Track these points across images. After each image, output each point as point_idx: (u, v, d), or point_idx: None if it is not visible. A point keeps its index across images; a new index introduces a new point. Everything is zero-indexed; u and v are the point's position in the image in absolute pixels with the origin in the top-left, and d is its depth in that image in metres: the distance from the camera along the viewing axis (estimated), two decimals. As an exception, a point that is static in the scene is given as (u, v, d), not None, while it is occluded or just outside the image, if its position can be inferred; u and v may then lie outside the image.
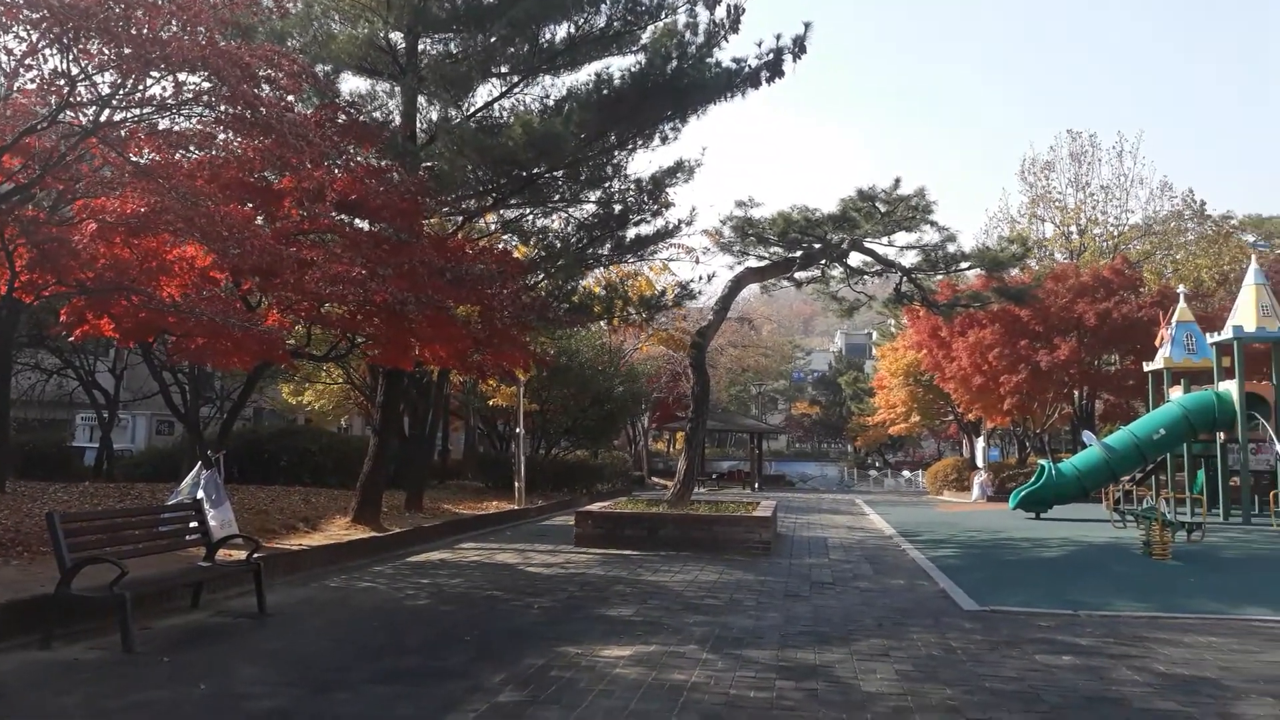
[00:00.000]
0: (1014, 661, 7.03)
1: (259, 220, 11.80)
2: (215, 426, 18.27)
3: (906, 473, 51.21)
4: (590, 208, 18.36)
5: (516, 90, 16.80)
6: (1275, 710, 5.78)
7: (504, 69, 16.37)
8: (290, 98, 11.03)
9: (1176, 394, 24.39)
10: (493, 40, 15.62)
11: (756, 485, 41.76)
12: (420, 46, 15.82)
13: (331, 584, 10.59)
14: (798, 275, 20.45)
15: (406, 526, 15.58)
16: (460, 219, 18.00)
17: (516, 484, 22.05)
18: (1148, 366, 26.19)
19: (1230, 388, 22.49)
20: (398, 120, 16.02)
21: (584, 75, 16.40)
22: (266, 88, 9.89)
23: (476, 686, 6.09)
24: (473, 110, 16.63)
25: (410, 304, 11.67)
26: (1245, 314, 22.75)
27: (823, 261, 19.91)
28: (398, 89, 16.16)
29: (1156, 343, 25.70)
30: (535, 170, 16.06)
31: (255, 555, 8.91)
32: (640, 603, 9.52)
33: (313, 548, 12.27)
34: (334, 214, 12.55)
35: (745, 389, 64.98)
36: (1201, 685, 6.39)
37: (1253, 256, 25.71)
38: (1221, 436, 22.75)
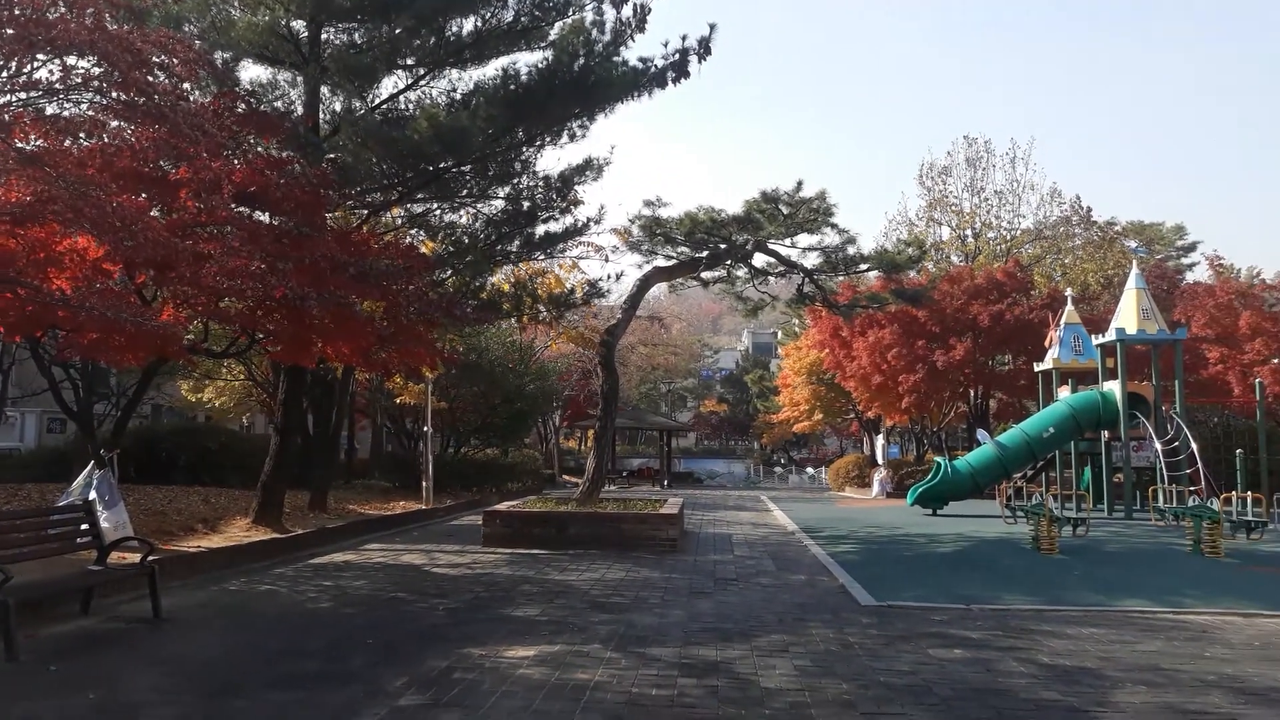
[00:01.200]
0: (908, 656, 7.24)
1: (154, 212, 11.39)
2: (110, 424, 17.57)
3: (810, 469, 52.26)
4: (499, 204, 18.24)
5: (423, 83, 16.59)
6: (1148, 697, 6.07)
7: (410, 61, 16.13)
8: (186, 85, 10.69)
9: (1064, 393, 25.46)
10: (398, 32, 15.37)
11: (665, 483, 42.07)
12: (324, 36, 15.47)
13: (231, 587, 10.32)
14: (704, 275, 20.75)
15: (310, 528, 15.27)
16: (365, 213, 17.68)
17: (424, 483, 21.78)
18: (1038, 367, 27.26)
19: (1114, 388, 23.57)
20: (300, 111, 15.64)
21: (491, 70, 16.30)
22: (161, 74, 9.56)
23: (378, 690, 6.03)
24: (378, 102, 16.36)
25: (312, 299, 11.42)
26: (1127, 317, 23.87)
27: (728, 262, 20.22)
28: (300, 79, 15.79)
29: (1046, 344, 26.76)
30: (442, 165, 15.88)
31: (150, 558, 8.62)
32: (546, 602, 9.53)
33: (211, 550, 11.94)
34: (233, 206, 12.17)
35: (655, 387, 65.44)
36: (1082, 675, 6.66)
37: (1134, 262, 26.99)
38: (1106, 435, 23.85)
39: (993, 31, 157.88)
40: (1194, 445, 21.14)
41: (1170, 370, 23.85)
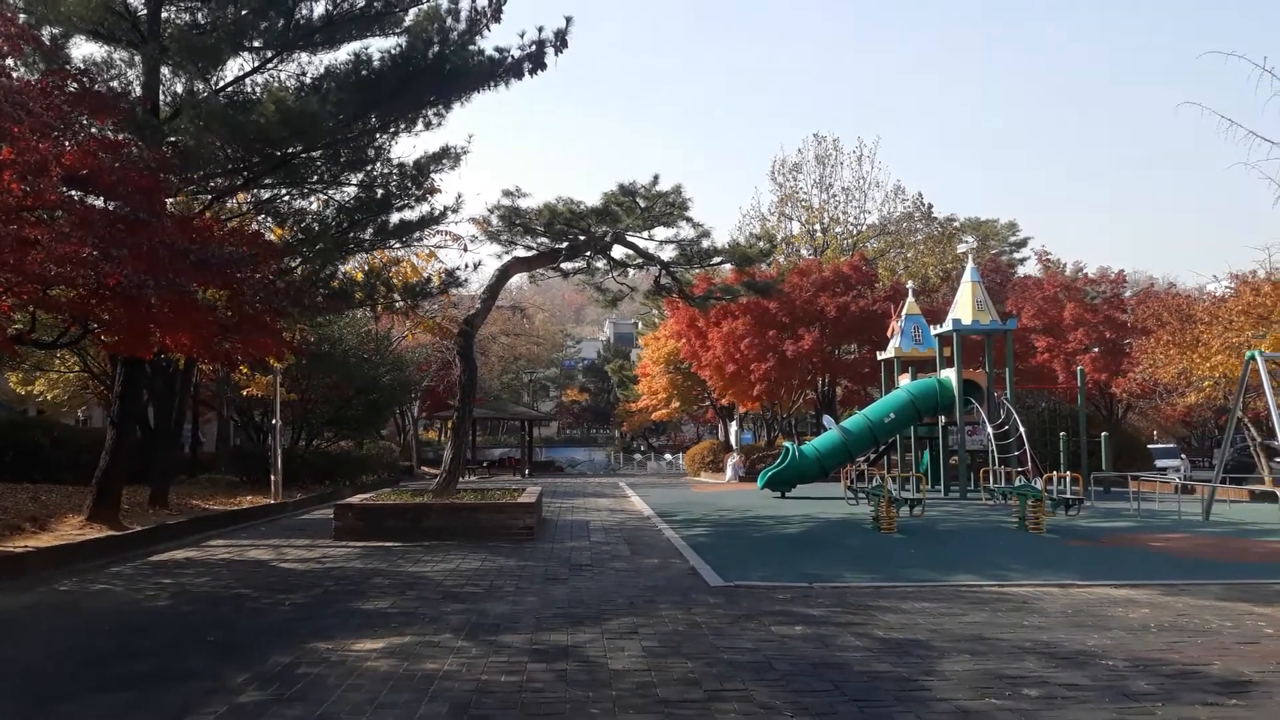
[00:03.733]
0: (752, 633, 7.53)
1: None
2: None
3: (668, 456, 53.19)
4: (352, 190, 17.84)
5: (271, 66, 16.06)
6: (971, 665, 6.48)
7: (257, 43, 15.58)
8: (10, 61, 10.06)
9: (905, 381, 26.77)
10: (244, 13, 14.84)
11: (526, 472, 42.09)
12: (164, 14, 14.79)
13: (61, 587, 9.85)
14: (564, 266, 20.85)
15: (149, 524, 14.70)
16: (209, 198, 16.99)
17: (273, 477, 21.15)
18: (881, 356, 28.59)
19: (950, 375, 24.95)
20: (138, 91, 14.91)
21: (344, 55, 15.93)
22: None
23: (217, 688, 5.91)
24: (222, 84, 15.74)
25: (149, 287, 10.93)
26: (963, 308, 25.31)
27: (588, 253, 20.37)
28: (138, 58, 15.04)
29: (888, 334, 28.09)
30: (291, 150, 15.43)
31: (-35, 561, 8.15)
32: (398, 594, 9.48)
33: (40, 549, 11.40)
34: (63, 190, 11.53)
35: (518, 377, 65.08)
36: (913, 647, 7.05)
37: (969, 257, 28.62)
38: (943, 419, 25.24)
39: (841, 31, 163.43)
40: (1022, 429, 22.62)
41: (1002, 358, 25.41)
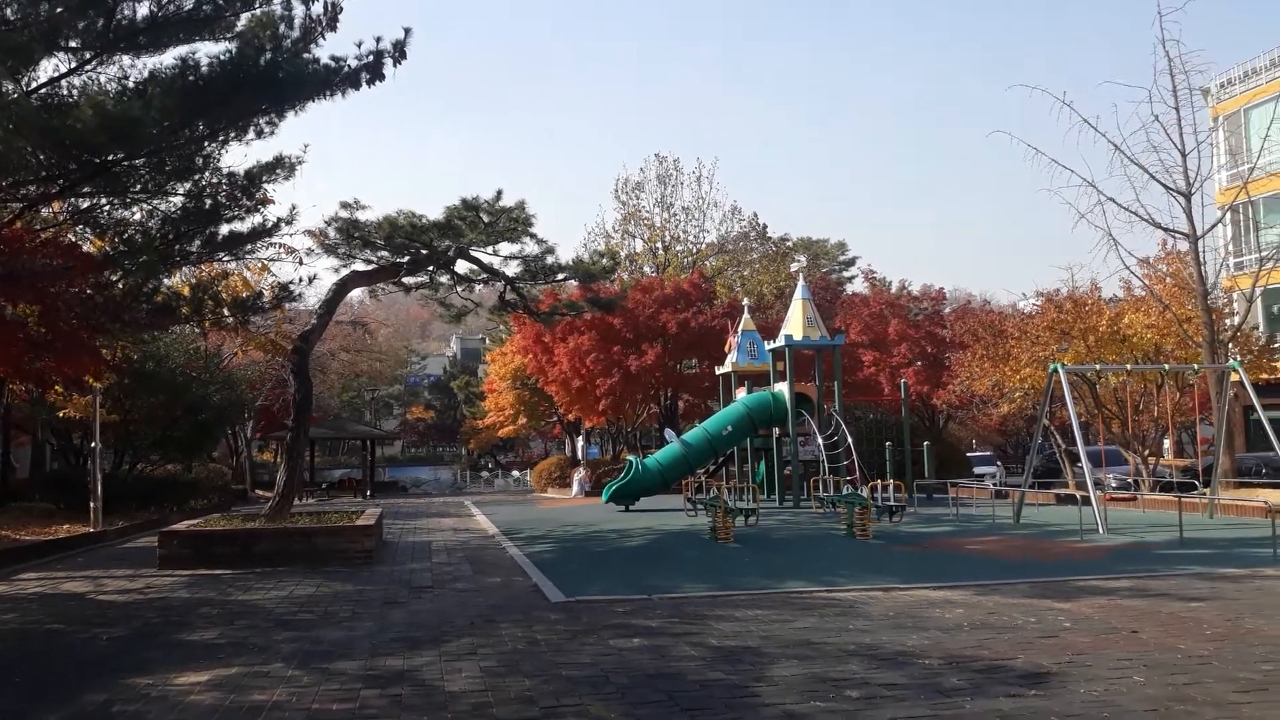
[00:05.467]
0: (591, 648, 7.64)
1: None
2: None
3: (516, 472, 52.92)
4: (178, 200, 17.04)
5: (90, 68, 15.19)
6: (799, 670, 6.76)
7: (74, 43, 14.72)
8: None
9: (742, 394, 27.61)
10: (59, 10, 13.99)
11: (368, 493, 40.99)
12: (-34, 8, 13.76)
13: None
14: (406, 280, 20.51)
15: (-52, 558, 13.57)
16: (20, 207, 15.90)
17: (93, 504, 19.89)
18: (719, 370, 29.41)
19: (783, 389, 25.90)
20: (-63, 91, 13.82)
21: (170, 59, 15.23)
22: None
23: (24, 732, 5.60)
24: (35, 86, 14.78)
25: (-52, 304, 10.21)
26: (795, 324, 26.34)
27: (431, 267, 20.13)
28: (-64, 54, 13.94)
29: (726, 349, 28.91)
30: (112, 157, 14.65)
31: None
32: (226, 624, 9.14)
33: None
34: None
35: (359, 395, 63.41)
36: (745, 654, 7.29)
37: (801, 275, 29.86)
38: (777, 431, 26.16)
39: (681, 50, 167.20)
40: (850, 439, 23.70)
41: (831, 372, 26.56)
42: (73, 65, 15.04)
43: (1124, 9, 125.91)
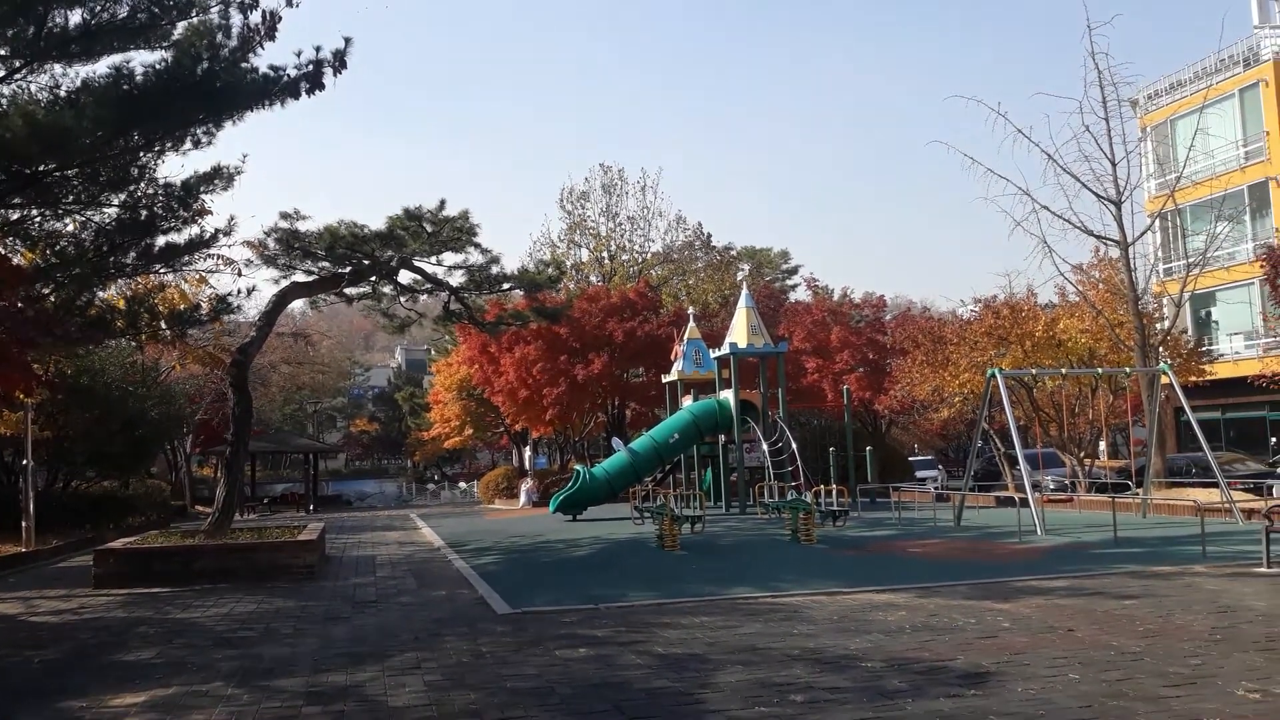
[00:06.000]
0: (537, 659, 7.64)
1: None
2: None
3: (463, 484, 52.54)
4: (113, 211, 16.71)
5: (19, 76, 14.85)
6: (744, 675, 6.84)
7: (3, 51, 14.37)
8: None
9: (688, 402, 27.75)
10: (-15, 18, 13.65)
11: (311, 507, 40.37)
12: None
13: None
14: (348, 291, 20.29)
15: None
16: (-55, 219, 15.48)
17: (25, 523, 19.36)
18: (665, 378, 29.50)
19: (728, 396, 26.09)
20: None
21: (104, 67, 14.93)
22: None
23: (-48, 761, 5.45)
24: (-39, 94, 14.40)
25: None
26: (739, 333, 26.56)
27: (373, 278, 19.95)
28: None
29: (672, 357, 29.01)
30: (43, 167, 14.32)
31: None
32: (164, 643, 8.97)
33: None
34: None
35: (301, 408, 62.38)
36: (691, 661, 7.35)
37: (745, 284, 30.10)
38: (723, 438, 26.33)
39: (626, 60, 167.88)
40: (794, 445, 23.94)
41: (775, 379, 26.78)
42: (2, 74, 14.70)
43: (1055, 21, 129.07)
